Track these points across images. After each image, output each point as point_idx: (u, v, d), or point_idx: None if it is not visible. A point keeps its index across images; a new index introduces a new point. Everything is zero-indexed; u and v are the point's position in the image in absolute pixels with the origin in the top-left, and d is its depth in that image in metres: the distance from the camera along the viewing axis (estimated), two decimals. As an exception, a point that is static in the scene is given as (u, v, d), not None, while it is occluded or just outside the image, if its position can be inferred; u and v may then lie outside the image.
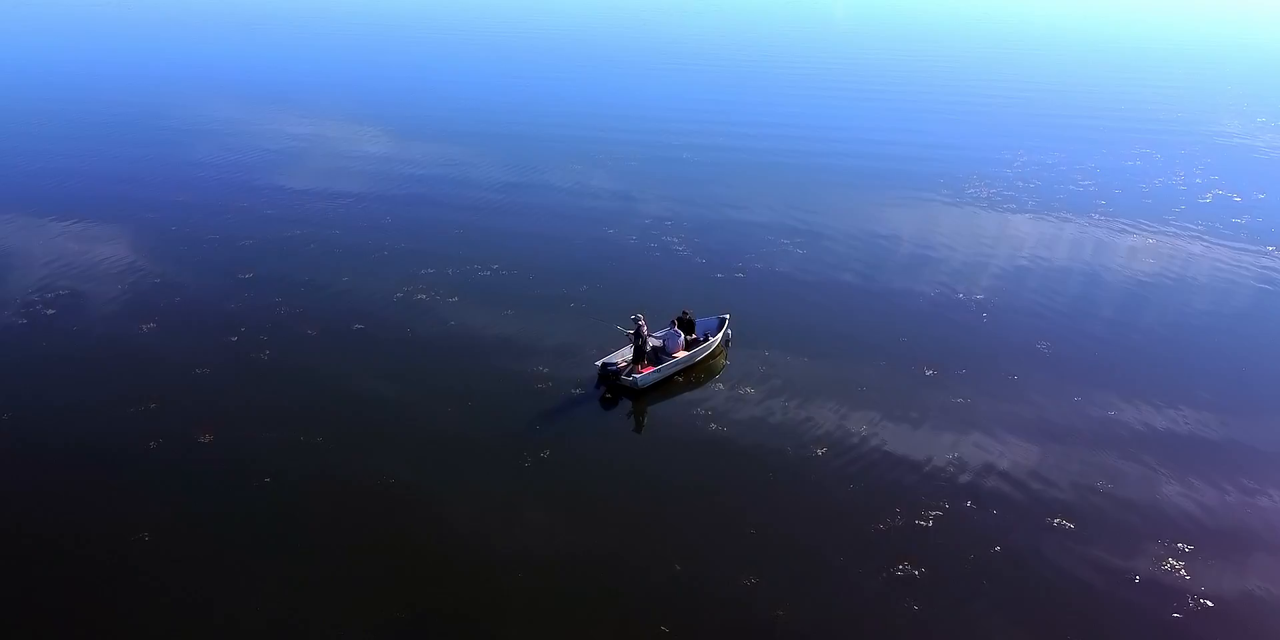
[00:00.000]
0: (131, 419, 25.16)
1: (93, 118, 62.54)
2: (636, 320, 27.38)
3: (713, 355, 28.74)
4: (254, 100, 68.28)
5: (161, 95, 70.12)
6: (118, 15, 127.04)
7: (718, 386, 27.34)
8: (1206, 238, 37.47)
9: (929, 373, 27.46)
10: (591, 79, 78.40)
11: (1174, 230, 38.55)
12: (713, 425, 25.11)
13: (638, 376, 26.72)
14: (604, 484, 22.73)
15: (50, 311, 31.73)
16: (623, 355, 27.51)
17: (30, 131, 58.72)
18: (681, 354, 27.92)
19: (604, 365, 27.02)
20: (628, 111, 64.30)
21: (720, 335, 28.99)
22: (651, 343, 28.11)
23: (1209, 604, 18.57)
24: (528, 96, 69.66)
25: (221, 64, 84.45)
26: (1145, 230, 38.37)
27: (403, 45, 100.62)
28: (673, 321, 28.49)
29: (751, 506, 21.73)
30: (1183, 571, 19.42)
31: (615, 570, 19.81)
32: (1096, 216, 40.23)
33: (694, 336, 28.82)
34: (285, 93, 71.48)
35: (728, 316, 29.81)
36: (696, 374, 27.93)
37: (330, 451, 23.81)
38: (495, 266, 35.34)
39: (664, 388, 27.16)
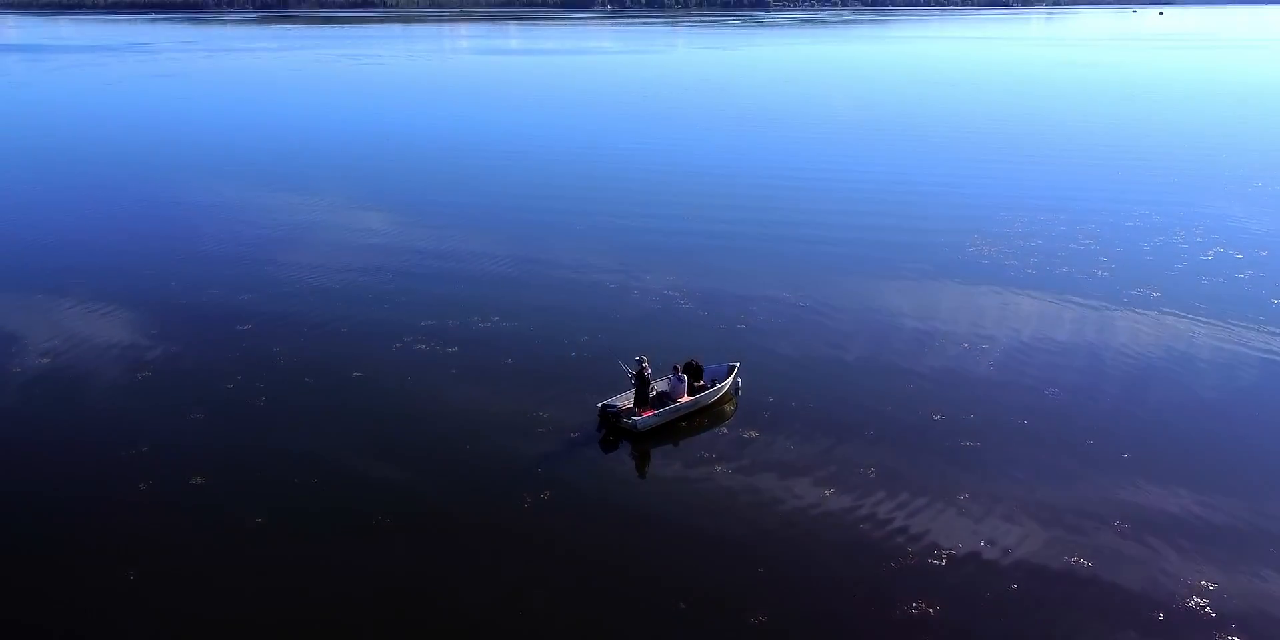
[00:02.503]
0: (122, 462, 24.73)
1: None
2: (640, 362, 26.98)
3: (721, 402, 28.21)
4: (242, 176, 68.67)
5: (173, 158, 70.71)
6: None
7: (722, 430, 26.81)
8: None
9: (937, 417, 26.94)
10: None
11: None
12: (717, 467, 24.54)
13: (638, 419, 26.20)
14: (605, 524, 22.10)
15: (44, 360, 31.53)
16: (624, 398, 27.04)
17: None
18: (686, 399, 27.42)
19: (604, 407, 26.53)
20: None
21: (729, 382, 28.52)
22: (656, 388, 27.70)
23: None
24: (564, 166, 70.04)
25: (194, 134, 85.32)
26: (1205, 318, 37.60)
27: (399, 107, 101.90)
28: (675, 367, 28.03)
29: (758, 545, 21.06)
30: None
31: (617, 608, 19.15)
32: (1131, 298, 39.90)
33: (701, 383, 28.33)
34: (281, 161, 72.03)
35: (738, 364, 29.34)
36: (701, 419, 27.40)
37: (325, 492, 23.31)
38: (495, 318, 35.05)
39: (667, 432, 26.62)
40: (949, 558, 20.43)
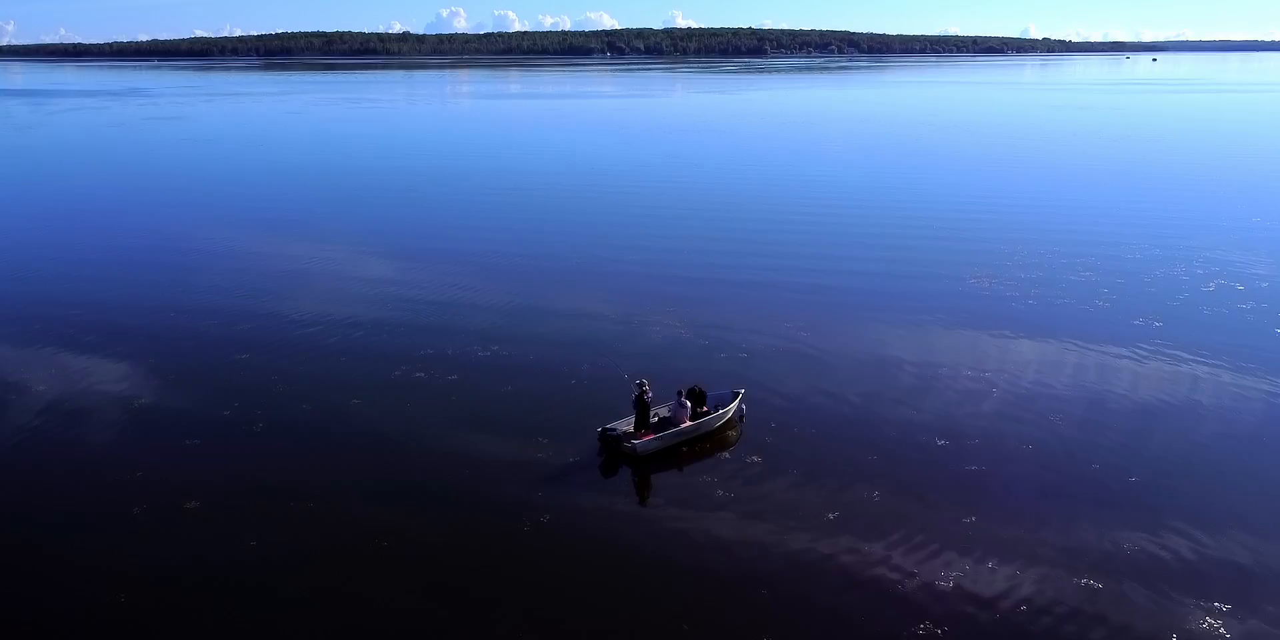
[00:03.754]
0: (116, 486, 24.41)
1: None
2: (641, 385, 26.70)
3: (724, 428, 27.88)
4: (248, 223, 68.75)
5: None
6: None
7: (724, 456, 26.43)
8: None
9: (941, 442, 26.60)
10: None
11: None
12: (719, 492, 24.15)
13: (637, 443, 25.87)
14: (605, 548, 21.70)
15: (41, 387, 31.26)
16: (625, 423, 26.74)
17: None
18: (688, 424, 27.09)
19: (604, 431, 26.22)
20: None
21: (733, 407, 28.20)
22: (659, 413, 27.41)
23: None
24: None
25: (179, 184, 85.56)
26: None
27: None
28: (679, 392, 27.73)
29: (760, 572, 20.58)
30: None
31: (617, 632, 18.72)
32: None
33: (705, 409, 27.99)
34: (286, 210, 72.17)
35: (742, 391, 29.04)
36: (704, 444, 27.05)
37: (321, 516, 22.95)
38: (495, 347, 34.82)
39: (669, 456, 26.26)
40: (951, 595, 19.89)
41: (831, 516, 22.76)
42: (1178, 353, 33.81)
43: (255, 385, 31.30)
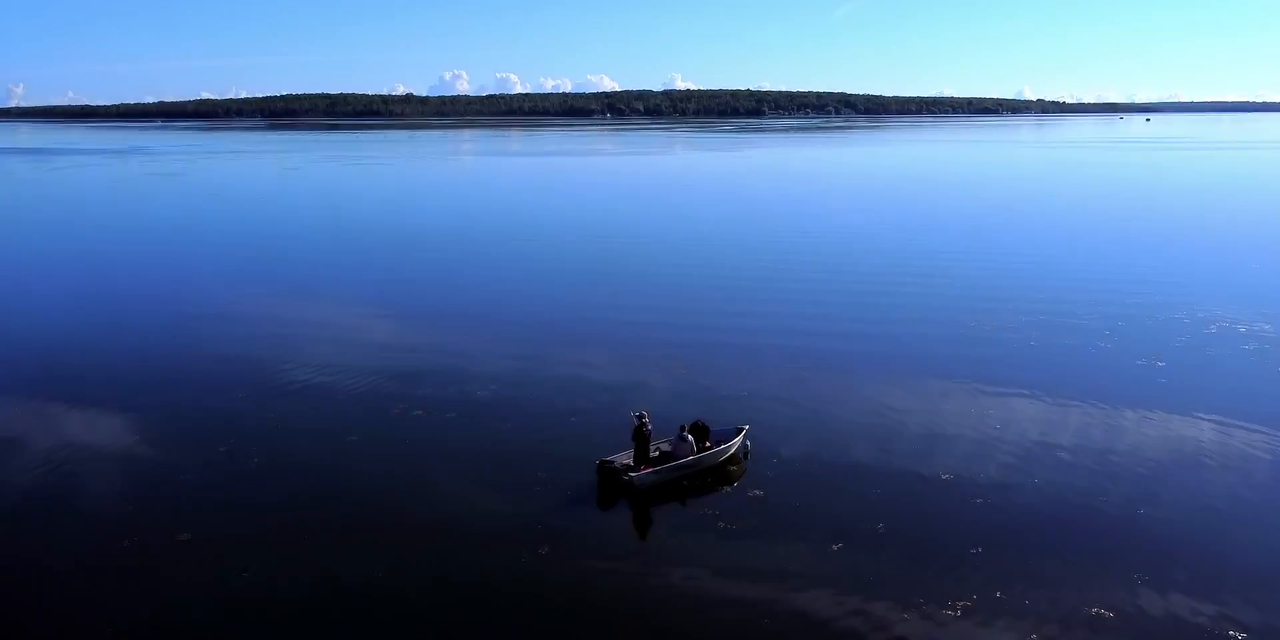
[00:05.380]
0: (108, 518, 24.08)
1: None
2: (640, 417, 26.42)
3: (727, 463, 27.51)
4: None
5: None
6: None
7: (726, 491, 26.09)
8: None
9: (947, 476, 26.21)
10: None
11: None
12: (720, 524, 23.79)
13: (635, 476, 25.51)
14: (603, 580, 21.29)
15: (35, 423, 31.01)
16: (625, 456, 26.41)
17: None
18: (688, 458, 26.73)
19: (603, 463, 25.88)
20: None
21: (737, 441, 27.85)
22: (661, 448, 27.09)
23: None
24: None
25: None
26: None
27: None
28: (681, 427, 27.41)
29: (755, 611, 20.13)
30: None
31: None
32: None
33: (707, 444, 27.58)
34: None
35: (746, 427, 28.66)
36: (706, 479, 26.66)
37: (318, 546, 22.60)
38: (494, 386, 34.56)
39: (670, 491, 25.87)
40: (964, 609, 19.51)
41: (830, 571, 22.16)
42: (1184, 405, 32.35)
43: (251, 422, 31.01)
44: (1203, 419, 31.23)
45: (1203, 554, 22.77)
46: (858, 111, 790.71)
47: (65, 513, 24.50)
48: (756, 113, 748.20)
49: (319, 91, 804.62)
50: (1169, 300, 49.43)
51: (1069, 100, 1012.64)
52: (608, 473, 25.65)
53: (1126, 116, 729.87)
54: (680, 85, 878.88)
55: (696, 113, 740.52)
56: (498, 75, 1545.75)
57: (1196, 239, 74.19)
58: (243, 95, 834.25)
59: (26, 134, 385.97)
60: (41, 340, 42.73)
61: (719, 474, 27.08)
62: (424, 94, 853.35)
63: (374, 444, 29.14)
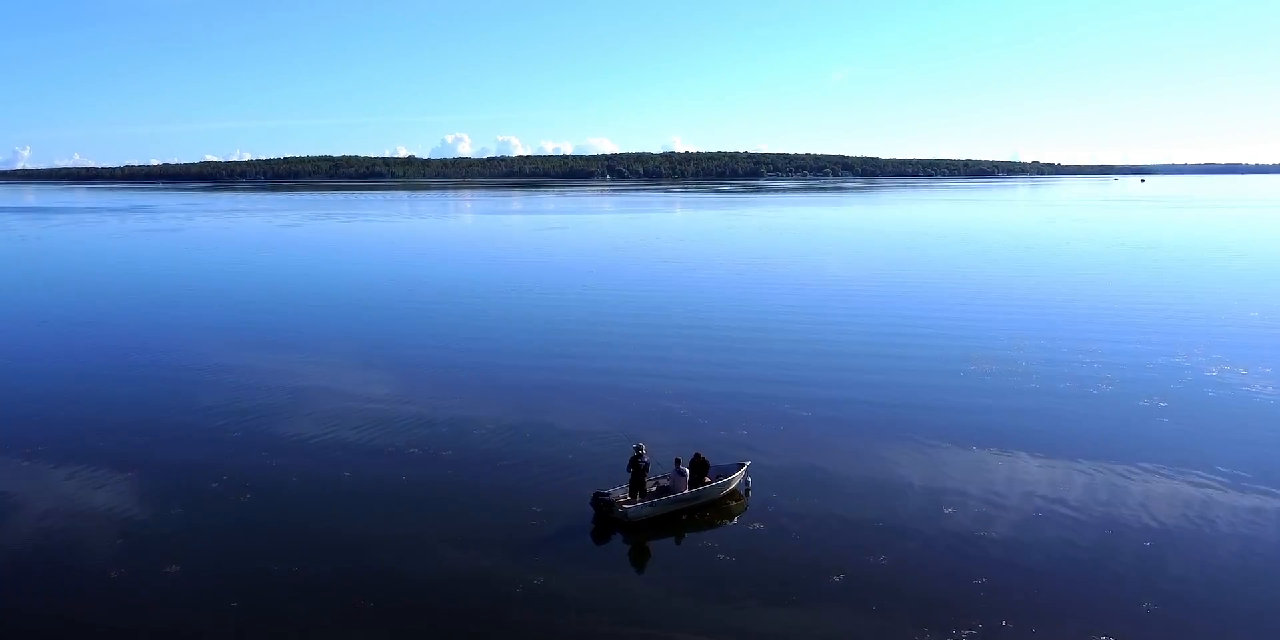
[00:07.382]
0: (97, 552, 23.70)
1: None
2: (637, 449, 26.10)
3: (728, 498, 27.15)
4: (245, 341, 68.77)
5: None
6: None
7: (724, 526, 25.70)
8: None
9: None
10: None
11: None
12: (720, 556, 23.40)
13: (629, 508, 25.17)
14: (597, 612, 20.91)
15: (24, 463, 30.67)
16: (621, 489, 26.05)
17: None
18: (685, 492, 26.34)
19: (597, 495, 25.53)
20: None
21: (737, 476, 27.49)
22: (659, 483, 26.77)
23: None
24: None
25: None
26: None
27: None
28: (677, 460, 27.05)
29: (763, 626, 19.75)
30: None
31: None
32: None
33: (706, 479, 27.20)
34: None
35: (747, 463, 28.33)
36: (704, 514, 26.28)
37: (307, 578, 22.22)
38: (490, 427, 34.24)
39: (667, 525, 25.55)
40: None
41: (827, 613, 21.84)
42: (1191, 469, 30.85)
43: (244, 462, 30.61)
44: (1211, 480, 29.71)
45: (1214, 615, 21.62)
46: (855, 173, 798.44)
47: (50, 543, 24.16)
48: (754, 174, 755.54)
49: (322, 154, 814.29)
50: (1177, 356, 49.20)
51: (1064, 162, 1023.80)
52: (602, 506, 25.30)
53: (1120, 178, 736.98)
54: (679, 147, 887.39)
55: (695, 174, 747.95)
56: (499, 138, 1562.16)
57: (1210, 297, 74.25)
58: (246, 157, 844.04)
59: (29, 195, 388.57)
60: (33, 391, 42.39)
61: (718, 509, 26.68)
62: (426, 156, 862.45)
63: (368, 478, 28.85)
